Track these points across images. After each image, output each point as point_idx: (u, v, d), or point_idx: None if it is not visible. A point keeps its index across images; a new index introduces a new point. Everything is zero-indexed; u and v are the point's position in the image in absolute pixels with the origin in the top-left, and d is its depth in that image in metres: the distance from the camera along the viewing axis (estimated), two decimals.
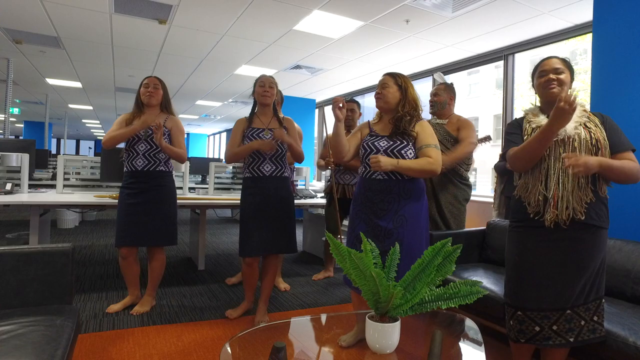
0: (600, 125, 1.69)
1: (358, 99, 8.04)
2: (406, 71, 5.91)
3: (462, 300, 1.41)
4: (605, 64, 2.81)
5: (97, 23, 4.38)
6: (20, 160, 3.48)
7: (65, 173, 3.73)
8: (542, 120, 1.74)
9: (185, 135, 2.80)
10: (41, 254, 1.75)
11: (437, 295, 1.42)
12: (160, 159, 2.71)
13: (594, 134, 1.66)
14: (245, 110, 10.27)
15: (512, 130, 1.87)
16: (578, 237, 1.67)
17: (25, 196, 3.27)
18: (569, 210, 1.64)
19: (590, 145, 1.64)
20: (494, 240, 2.97)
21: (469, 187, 3.16)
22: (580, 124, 1.68)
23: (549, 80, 1.73)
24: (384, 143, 2.14)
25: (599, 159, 1.59)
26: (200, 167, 6.73)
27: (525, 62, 4.96)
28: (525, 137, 1.77)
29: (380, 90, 2.21)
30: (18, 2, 3.88)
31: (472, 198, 4.48)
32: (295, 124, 2.83)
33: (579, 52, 12.89)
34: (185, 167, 4.03)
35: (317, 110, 8.84)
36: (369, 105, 9.26)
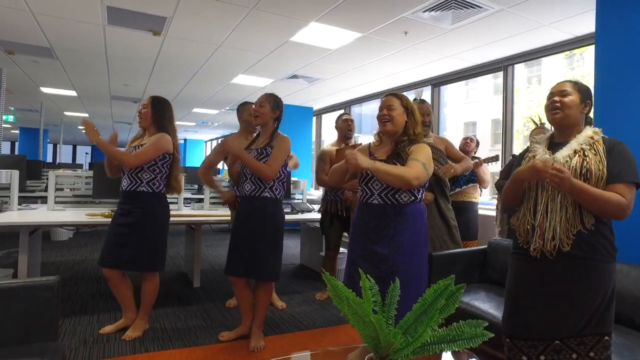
0: (602, 154, 1.59)
1: (356, 107, 8.01)
2: (405, 81, 5.86)
3: (466, 343, 1.33)
4: (608, 77, 2.76)
5: (90, 34, 4.30)
6: (9, 177, 3.40)
7: (57, 189, 3.65)
8: (542, 154, 1.69)
9: (165, 148, 2.35)
10: (24, 288, 1.66)
11: (439, 338, 1.34)
12: (141, 179, 2.59)
13: (587, 163, 1.57)
14: None
15: (515, 162, 1.87)
16: (567, 269, 1.59)
17: (14, 215, 3.19)
18: (555, 241, 1.58)
19: (579, 175, 1.57)
20: (496, 260, 2.90)
21: None
22: (577, 152, 1.61)
23: (553, 103, 1.68)
24: None
25: (574, 181, 1.51)
26: (197, 177, 6.65)
27: (521, 67, 4.90)
28: (522, 164, 1.75)
29: (386, 112, 2.09)
30: (9, 14, 3.80)
31: (481, 212, 4.42)
32: (289, 141, 2.62)
33: (576, 57, 12.89)
34: (180, 181, 3.93)
35: (314, 119, 8.78)
36: (366, 113, 9.23)
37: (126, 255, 2.53)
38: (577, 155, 1.60)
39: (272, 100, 2.63)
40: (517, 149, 4.87)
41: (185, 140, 17.17)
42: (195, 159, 17.34)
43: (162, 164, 2.64)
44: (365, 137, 11.20)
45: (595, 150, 1.60)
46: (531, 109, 13.83)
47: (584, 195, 1.52)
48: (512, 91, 4.68)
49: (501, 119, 4.72)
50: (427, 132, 3.10)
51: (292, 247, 5.84)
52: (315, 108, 8.49)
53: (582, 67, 11.18)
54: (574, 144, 1.63)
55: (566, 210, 1.58)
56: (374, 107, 7.41)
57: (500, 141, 4.74)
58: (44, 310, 1.68)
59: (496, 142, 18.02)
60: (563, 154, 1.62)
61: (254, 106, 2.64)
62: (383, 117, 2.10)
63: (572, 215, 1.57)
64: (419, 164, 1.97)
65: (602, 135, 1.66)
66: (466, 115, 19.61)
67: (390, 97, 2.13)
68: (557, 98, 1.68)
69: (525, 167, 1.63)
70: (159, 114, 2.70)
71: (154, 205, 2.63)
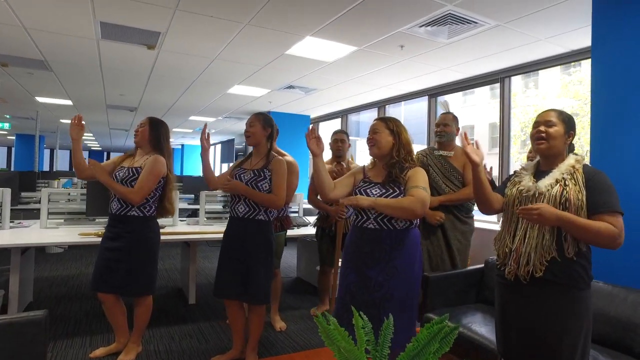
0: (582, 184, 1.61)
1: (353, 116, 7.99)
2: (401, 91, 5.85)
3: None
4: (604, 91, 2.76)
5: (84, 48, 4.27)
6: (1, 195, 3.35)
7: (51, 201, 3.61)
8: (527, 182, 1.74)
9: (161, 173, 2.55)
10: (8, 325, 1.62)
11: None
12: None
13: (566, 192, 1.60)
14: (240, 125, 10.17)
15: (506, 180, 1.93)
16: (540, 293, 1.63)
17: (6, 234, 3.14)
18: (529, 267, 1.62)
19: (558, 204, 1.60)
20: (492, 280, 2.86)
21: (473, 219, 3.11)
22: (559, 181, 1.64)
23: (538, 133, 1.73)
24: (376, 191, 2.06)
25: (559, 212, 1.54)
26: (194, 186, 6.61)
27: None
28: (507, 187, 1.83)
29: (371, 135, 2.13)
30: (1, 29, 3.76)
31: (477, 225, 4.35)
32: (286, 164, 2.59)
33: (573, 63, 12.89)
34: (175, 196, 3.88)
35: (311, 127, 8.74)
36: (364, 121, 9.22)
37: (118, 280, 2.49)
38: (558, 184, 1.64)
39: (262, 119, 2.61)
40: (514, 154, 4.83)
41: (182, 146, 17.11)
42: (193, 165, 17.26)
43: (156, 188, 2.59)
44: (363, 140, 11.17)
45: (575, 180, 1.63)
46: (528, 114, 13.84)
47: (573, 226, 1.55)
48: (509, 102, 4.66)
49: (498, 129, 4.71)
50: (446, 143, 3.03)
51: (288, 259, 5.80)
52: (313, 116, 8.47)
53: (579, 72, 11.19)
54: (556, 172, 1.68)
55: (543, 237, 1.62)
56: (371, 115, 7.40)
57: (498, 145, 4.73)
58: (31, 348, 1.64)
59: (494, 145, 18.02)
60: (545, 182, 1.67)
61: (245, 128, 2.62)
62: (368, 141, 2.15)
63: (548, 241, 1.61)
64: (422, 191, 1.97)
65: (584, 163, 1.69)
66: (464, 119, 19.61)
67: (377, 122, 2.15)
68: (542, 128, 1.72)
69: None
70: (156, 134, 2.66)
71: (145, 229, 2.57)
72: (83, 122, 2.58)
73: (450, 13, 3.13)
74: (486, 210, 1.87)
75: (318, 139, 2.08)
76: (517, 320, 1.69)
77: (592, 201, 1.57)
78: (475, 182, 1.81)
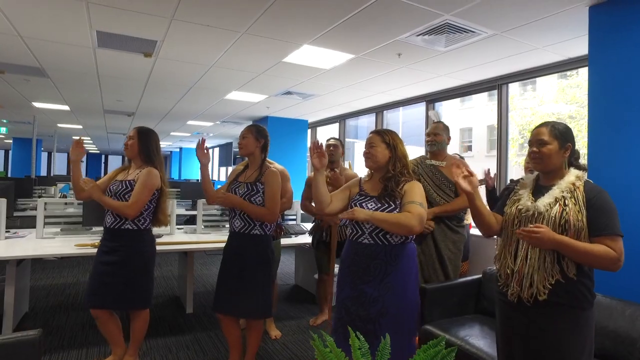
0: (582, 204, 1.58)
1: (351, 120, 8.00)
2: (399, 96, 5.84)
3: None
4: (601, 99, 2.76)
5: (81, 56, 4.26)
6: None
7: (46, 216, 3.59)
8: (525, 201, 1.72)
9: (155, 182, 2.23)
10: (1, 347, 1.60)
11: None
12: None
13: (566, 214, 1.57)
14: (238, 129, 10.15)
15: (507, 191, 1.91)
16: (543, 314, 1.61)
17: (1, 245, 3.12)
18: (532, 289, 1.59)
19: (557, 225, 1.57)
20: (490, 290, 2.85)
21: (464, 228, 3.10)
22: (558, 200, 1.61)
23: (533, 153, 1.71)
24: (371, 205, 2.04)
25: (558, 236, 1.52)
26: (192, 192, 6.60)
27: None
28: (506, 205, 1.81)
29: (368, 149, 2.12)
30: None
31: (473, 232, 4.35)
32: (279, 176, 2.55)
33: (569, 70, 12.88)
34: (172, 207, 3.88)
35: (309, 131, 8.74)
36: (362, 125, 9.22)
37: (113, 294, 2.46)
38: (557, 203, 1.60)
39: (254, 130, 2.60)
40: (512, 157, 4.82)
41: (181, 149, 17.07)
42: (191, 169, 17.21)
43: (150, 200, 2.57)
44: (360, 142, 11.20)
45: (575, 199, 1.59)
46: (526, 116, 13.84)
47: (571, 250, 1.53)
48: (507, 108, 4.66)
49: (496, 136, 4.70)
50: (437, 152, 3.02)
51: (286, 265, 5.78)
52: (310, 120, 8.46)
53: (576, 76, 11.21)
54: (556, 190, 1.64)
55: (544, 259, 1.59)
56: (369, 119, 7.40)
57: (496, 149, 4.72)
58: None
59: (492, 148, 18.06)
60: (544, 201, 1.64)
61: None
62: (364, 155, 2.15)
63: (550, 264, 1.59)
64: (418, 207, 1.95)
65: (586, 179, 1.66)
66: (462, 121, 19.65)
67: (373, 135, 2.15)
68: (535, 149, 1.70)
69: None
70: (145, 146, 2.62)
71: (140, 243, 2.54)
72: (84, 146, 2.53)
73: (447, 22, 3.13)
74: (487, 233, 1.84)
75: (321, 154, 2.07)
76: (520, 339, 1.67)
77: (593, 223, 1.55)
78: (472, 210, 1.79)
